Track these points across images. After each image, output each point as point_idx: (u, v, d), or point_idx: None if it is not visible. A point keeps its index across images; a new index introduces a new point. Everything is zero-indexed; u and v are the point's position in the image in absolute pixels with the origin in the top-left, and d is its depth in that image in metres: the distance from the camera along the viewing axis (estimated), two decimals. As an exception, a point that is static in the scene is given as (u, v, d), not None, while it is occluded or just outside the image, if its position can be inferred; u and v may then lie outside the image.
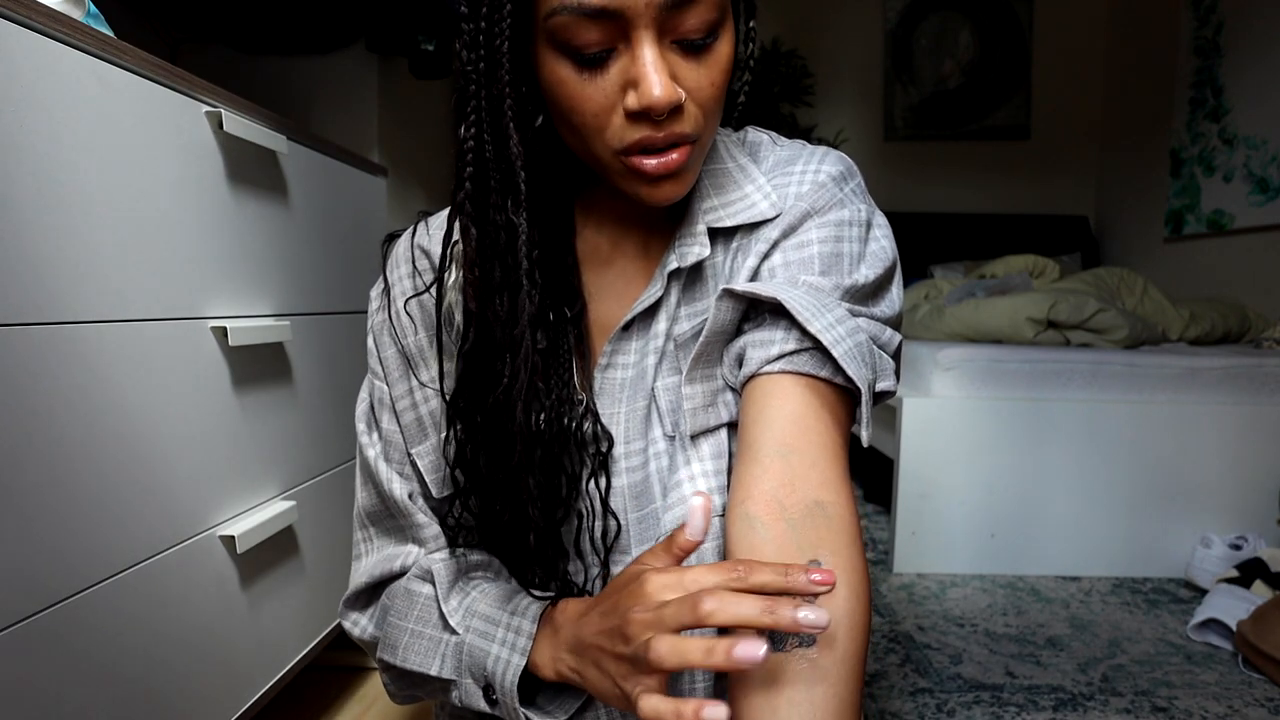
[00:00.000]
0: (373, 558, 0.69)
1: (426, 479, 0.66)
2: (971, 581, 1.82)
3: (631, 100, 0.51)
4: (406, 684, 0.66)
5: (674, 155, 0.54)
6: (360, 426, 0.69)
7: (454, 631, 0.60)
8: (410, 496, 0.66)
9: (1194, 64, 2.89)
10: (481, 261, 0.57)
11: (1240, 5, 2.67)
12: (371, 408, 0.69)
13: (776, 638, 0.48)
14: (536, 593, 0.61)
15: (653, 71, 0.50)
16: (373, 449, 0.68)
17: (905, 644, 1.49)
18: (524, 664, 0.56)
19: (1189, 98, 2.93)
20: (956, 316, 2.16)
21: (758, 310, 0.58)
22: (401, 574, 0.67)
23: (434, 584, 0.63)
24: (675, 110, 0.52)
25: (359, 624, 0.69)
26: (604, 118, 0.53)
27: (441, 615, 0.61)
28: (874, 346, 0.58)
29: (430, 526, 0.66)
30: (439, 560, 0.64)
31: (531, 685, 0.58)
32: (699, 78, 0.53)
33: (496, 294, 0.57)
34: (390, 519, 0.68)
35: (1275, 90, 2.50)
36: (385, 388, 0.67)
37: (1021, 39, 3.57)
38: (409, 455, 0.67)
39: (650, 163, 0.54)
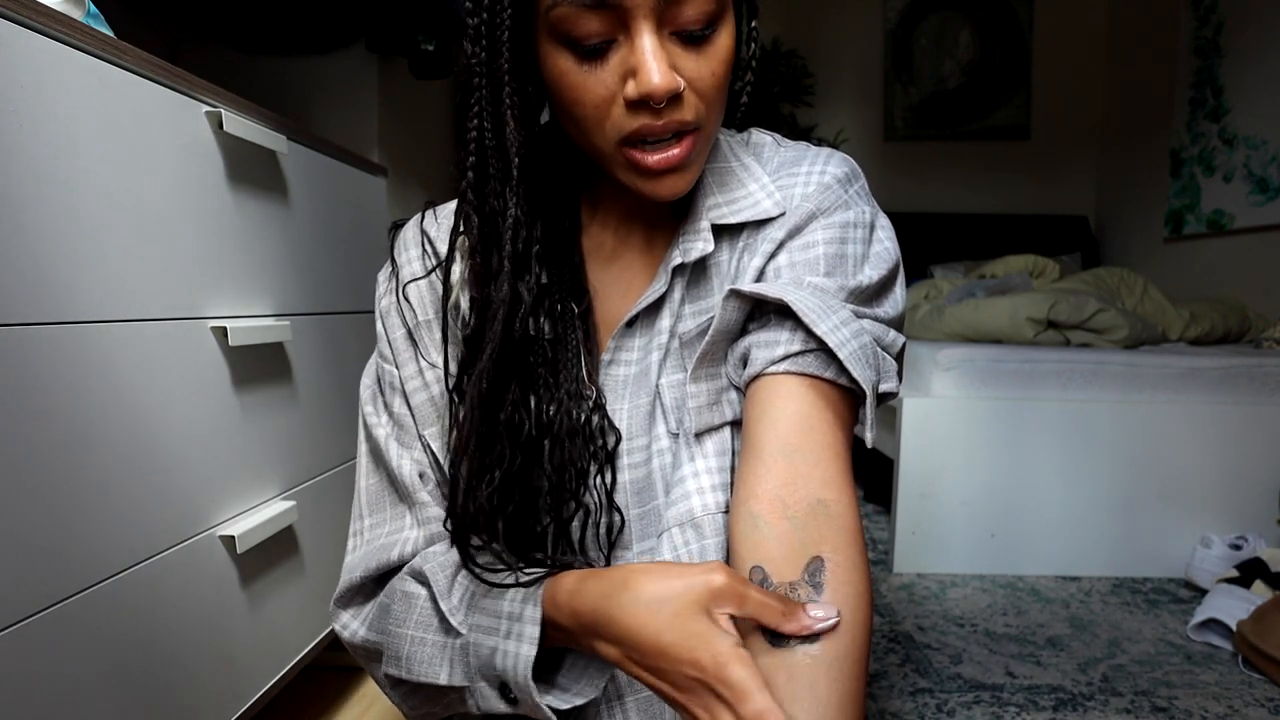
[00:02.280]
0: (363, 550, 0.65)
1: (441, 460, 0.65)
2: (971, 581, 1.82)
3: (631, 89, 0.52)
4: (420, 700, 0.62)
5: (675, 150, 0.55)
6: (367, 409, 0.67)
7: (457, 633, 0.58)
8: (421, 477, 0.64)
9: (1194, 64, 2.89)
10: (483, 249, 0.58)
11: (1240, 5, 2.67)
12: (381, 391, 0.68)
13: (779, 635, 0.48)
14: (533, 571, 0.57)
15: (651, 59, 0.51)
16: (382, 429, 0.66)
17: (905, 644, 1.49)
18: (534, 653, 0.53)
19: (1189, 98, 2.93)
20: (956, 316, 2.16)
21: (763, 310, 0.58)
22: (400, 564, 0.64)
23: (429, 585, 0.60)
24: (675, 99, 0.53)
25: (349, 627, 0.65)
26: (604, 108, 0.54)
27: (442, 617, 0.59)
28: (878, 348, 0.58)
29: (432, 507, 0.64)
30: (433, 556, 0.61)
31: (549, 667, 0.56)
32: (699, 68, 0.54)
33: (494, 281, 0.58)
34: (390, 506, 0.66)
35: (1275, 90, 2.50)
36: (395, 370, 0.66)
37: (1021, 39, 3.57)
38: (421, 437, 0.65)
39: (651, 158, 0.55)
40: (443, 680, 0.57)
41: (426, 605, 0.60)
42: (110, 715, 0.70)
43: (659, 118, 0.53)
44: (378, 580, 0.65)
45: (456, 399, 0.61)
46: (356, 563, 0.65)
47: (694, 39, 0.53)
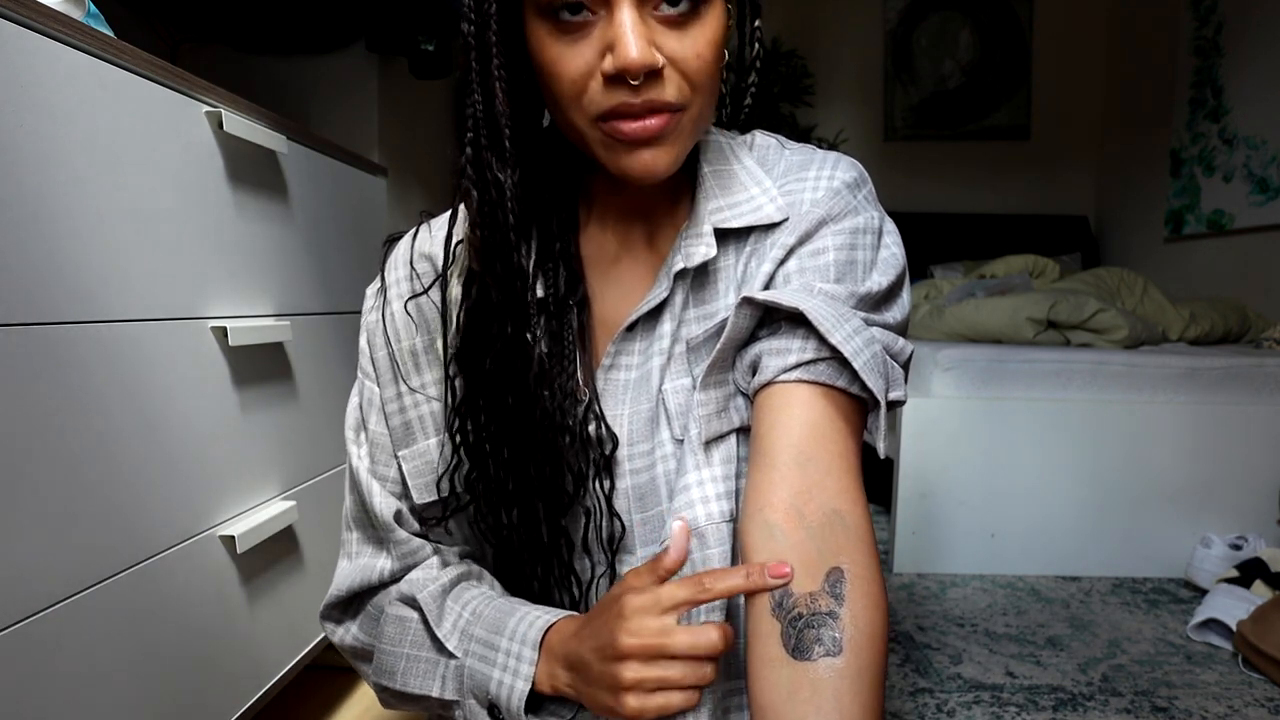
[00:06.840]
0: (351, 565, 0.69)
1: (410, 483, 0.66)
2: (971, 581, 1.82)
3: (608, 63, 0.52)
4: (404, 700, 0.66)
5: (652, 121, 0.54)
6: (349, 434, 0.69)
7: (451, 655, 0.61)
8: (397, 515, 0.66)
9: (1194, 64, 2.89)
10: (483, 221, 0.58)
11: (1240, 5, 2.67)
12: (360, 408, 0.69)
13: (801, 647, 0.48)
14: (529, 610, 0.62)
15: (629, 33, 0.50)
16: (358, 458, 0.68)
17: (905, 644, 1.49)
18: (529, 688, 0.57)
19: (1189, 98, 2.92)
20: (956, 316, 2.16)
21: (773, 317, 0.58)
22: (380, 586, 0.67)
23: (421, 610, 0.63)
24: (654, 76, 0.53)
25: (338, 632, 0.69)
26: (582, 83, 0.53)
27: (435, 640, 0.62)
28: (887, 357, 0.58)
29: (410, 542, 0.66)
30: (421, 585, 0.64)
31: (535, 698, 0.59)
32: (682, 47, 0.53)
33: (497, 254, 0.58)
34: (371, 528, 0.68)
35: (1275, 90, 2.50)
36: (376, 389, 0.67)
37: (1021, 39, 3.57)
38: (395, 458, 0.67)
39: (627, 126, 0.54)
40: (435, 694, 0.62)
41: (419, 628, 0.64)
42: (109, 715, 0.70)
43: (636, 95, 0.52)
44: (361, 596, 0.69)
45: (458, 366, 0.62)
46: (344, 577, 0.69)
47: (678, 19, 0.53)
